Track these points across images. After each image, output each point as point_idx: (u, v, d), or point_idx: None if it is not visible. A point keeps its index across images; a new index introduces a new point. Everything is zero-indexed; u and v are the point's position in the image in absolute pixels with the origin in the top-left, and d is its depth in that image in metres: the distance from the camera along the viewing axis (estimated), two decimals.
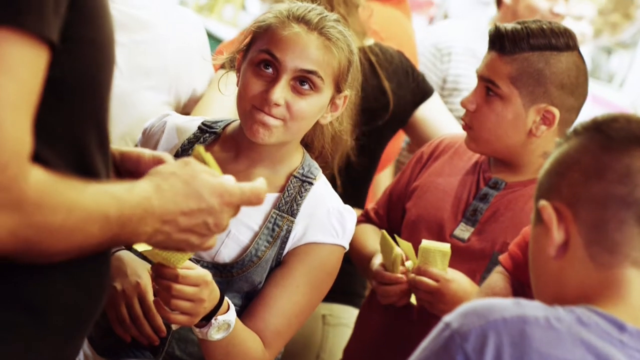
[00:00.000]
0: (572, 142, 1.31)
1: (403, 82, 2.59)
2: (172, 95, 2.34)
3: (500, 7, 3.47)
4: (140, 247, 1.57)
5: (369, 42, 2.56)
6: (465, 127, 2.22)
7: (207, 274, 1.63)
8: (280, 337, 1.81)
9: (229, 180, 1.36)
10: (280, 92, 1.78)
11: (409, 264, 2.14)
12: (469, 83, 3.28)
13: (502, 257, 1.96)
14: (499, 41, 2.14)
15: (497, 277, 1.94)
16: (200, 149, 1.39)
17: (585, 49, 4.02)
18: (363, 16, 2.53)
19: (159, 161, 1.41)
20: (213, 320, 1.68)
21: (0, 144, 1.08)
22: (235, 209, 1.37)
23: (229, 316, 1.70)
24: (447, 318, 1.23)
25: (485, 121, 2.17)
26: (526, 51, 2.12)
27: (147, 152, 1.44)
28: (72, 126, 1.21)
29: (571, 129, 1.34)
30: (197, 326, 1.70)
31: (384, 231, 2.13)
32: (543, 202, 1.30)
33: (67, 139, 1.20)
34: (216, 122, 1.94)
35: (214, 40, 4.38)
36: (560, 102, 2.14)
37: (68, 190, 1.16)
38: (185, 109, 2.39)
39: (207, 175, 1.32)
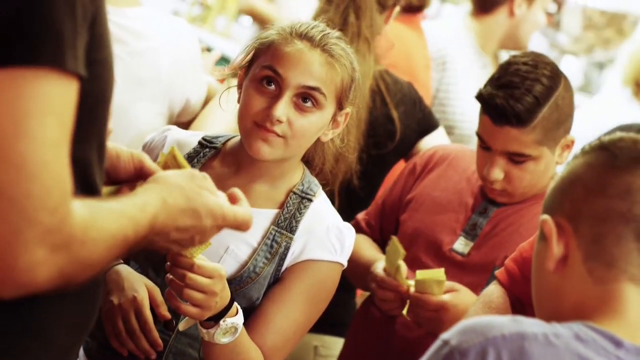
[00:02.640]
0: (578, 161, 1.33)
1: (410, 111, 2.59)
2: (166, 106, 2.34)
3: (491, 12, 3.27)
4: None
5: (380, 67, 2.56)
6: (496, 192, 2.19)
7: (221, 268, 1.62)
8: (279, 352, 1.80)
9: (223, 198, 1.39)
10: (283, 109, 1.77)
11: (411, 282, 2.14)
12: (455, 91, 3.27)
13: (499, 272, 1.97)
14: (515, 117, 2.08)
15: (493, 288, 1.95)
16: (174, 149, 1.43)
17: (578, 64, 4.01)
18: (384, 46, 2.53)
19: (137, 159, 1.43)
20: (221, 322, 1.67)
21: (50, 187, 1.08)
22: (221, 229, 1.39)
23: (237, 320, 1.69)
24: (446, 335, 1.23)
25: (520, 181, 2.16)
26: (540, 111, 2.10)
27: (125, 149, 1.46)
28: (77, 145, 1.22)
29: (579, 149, 1.36)
30: (204, 327, 1.68)
31: (395, 237, 2.12)
32: (544, 216, 1.31)
33: (73, 157, 1.21)
34: (216, 137, 1.94)
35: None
36: (571, 126, 2.17)
37: (101, 220, 1.16)
38: (179, 119, 2.39)
39: (209, 193, 1.34)
